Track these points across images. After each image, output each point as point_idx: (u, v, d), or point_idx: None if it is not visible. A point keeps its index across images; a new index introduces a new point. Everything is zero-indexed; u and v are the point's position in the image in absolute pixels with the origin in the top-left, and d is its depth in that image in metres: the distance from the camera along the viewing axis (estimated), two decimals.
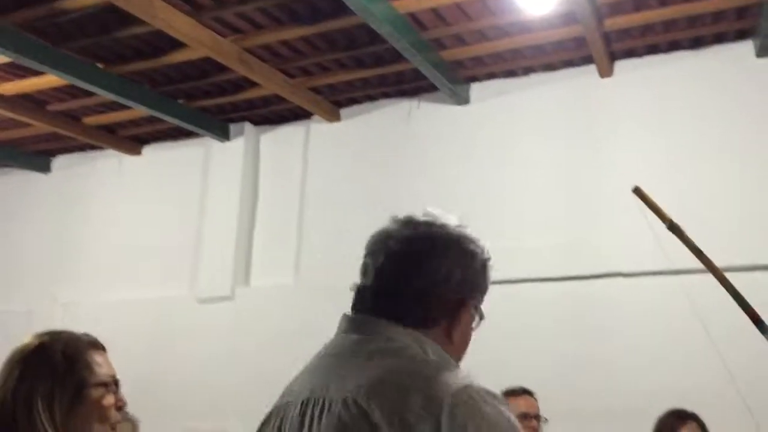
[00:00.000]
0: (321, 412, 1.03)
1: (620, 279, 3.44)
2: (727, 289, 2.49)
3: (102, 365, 1.62)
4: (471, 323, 1.16)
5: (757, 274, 3.16)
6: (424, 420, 0.97)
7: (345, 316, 1.19)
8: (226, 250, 4.35)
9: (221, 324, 4.26)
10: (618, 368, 3.35)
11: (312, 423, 1.04)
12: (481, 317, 1.17)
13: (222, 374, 4.14)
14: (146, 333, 4.40)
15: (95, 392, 1.58)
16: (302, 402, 1.07)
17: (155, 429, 3.38)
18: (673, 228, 2.21)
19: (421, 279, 1.12)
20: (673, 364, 3.26)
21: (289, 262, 4.26)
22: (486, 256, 1.18)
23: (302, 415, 1.06)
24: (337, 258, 4.11)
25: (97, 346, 1.66)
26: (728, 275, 2.50)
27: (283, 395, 1.15)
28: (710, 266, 2.37)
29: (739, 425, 2.89)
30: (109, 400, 1.60)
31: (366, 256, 1.20)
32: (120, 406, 1.63)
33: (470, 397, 1.00)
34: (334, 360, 1.12)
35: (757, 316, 2.49)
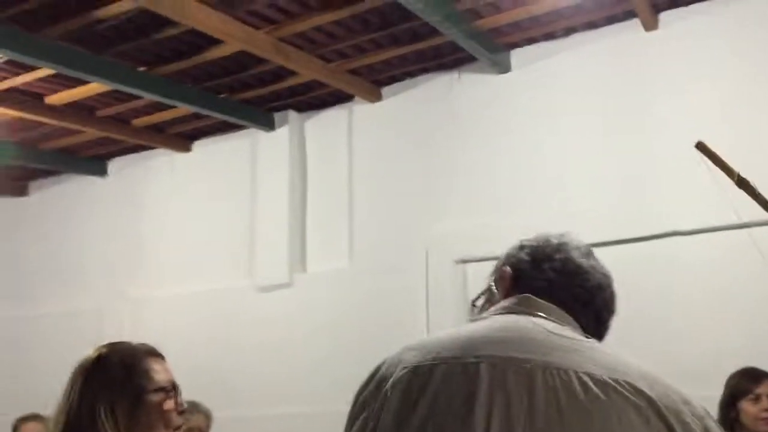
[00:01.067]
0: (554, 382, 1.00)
1: (678, 238, 3.35)
2: None
3: (160, 372, 1.67)
4: None
5: None
6: (694, 428, 0.97)
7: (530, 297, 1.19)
8: (280, 238, 4.40)
9: (282, 311, 4.33)
10: (679, 329, 3.26)
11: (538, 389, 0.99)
12: None
13: (285, 360, 4.22)
14: (210, 324, 4.52)
15: (155, 397, 1.63)
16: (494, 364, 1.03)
17: (226, 418, 3.48)
18: (742, 183, 2.14)
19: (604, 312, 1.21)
20: (738, 323, 3.16)
21: (343, 245, 4.29)
22: None
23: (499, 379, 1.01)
24: (389, 238, 4.12)
25: (155, 354, 1.71)
26: None
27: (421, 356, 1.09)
28: None
29: None
30: (169, 404, 1.65)
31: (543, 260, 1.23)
32: (181, 411, 1.68)
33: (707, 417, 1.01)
34: (527, 335, 1.08)
35: None
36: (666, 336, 3.29)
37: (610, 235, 3.46)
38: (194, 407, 3.04)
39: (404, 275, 3.98)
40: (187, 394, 1.73)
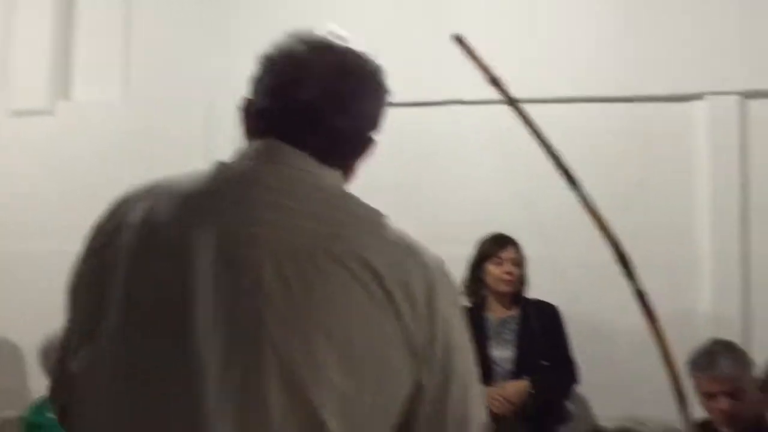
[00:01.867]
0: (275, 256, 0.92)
1: (458, 107, 3.47)
2: (531, 130, 2.56)
3: None
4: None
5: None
6: (422, 292, 0.94)
7: (259, 141, 1.04)
8: (41, 58, 3.92)
9: (41, 140, 3.93)
10: (447, 196, 3.45)
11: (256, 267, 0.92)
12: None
13: (40, 192, 3.89)
14: None
15: None
16: (218, 233, 0.93)
17: None
18: (495, 82, 2.17)
19: (347, 119, 1.02)
20: (500, 190, 3.37)
21: (116, 74, 3.93)
22: (385, 82, 1.09)
23: (224, 251, 0.92)
24: (169, 69, 3.83)
25: None
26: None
27: (147, 213, 0.98)
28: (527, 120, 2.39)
29: (545, 244, 3.13)
30: None
31: (271, 74, 1.04)
32: None
33: (448, 276, 0.99)
34: (258, 191, 0.97)
35: (563, 167, 2.60)
36: (438, 201, 3.44)
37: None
38: None
39: (183, 111, 3.75)
40: None
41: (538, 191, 3.16)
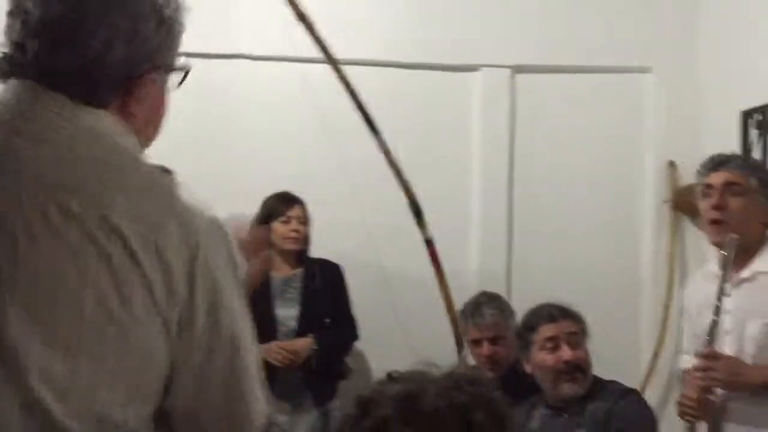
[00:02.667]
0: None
1: (247, 62, 3.37)
2: (346, 87, 2.60)
3: None
4: (162, 96, 0.96)
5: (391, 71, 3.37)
6: (180, 256, 0.85)
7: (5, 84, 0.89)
8: None
9: None
10: (237, 151, 3.35)
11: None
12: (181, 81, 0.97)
13: None
14: None
15: None
16: None
17: None
18: (302, 18, 2.16)
19: (74, 55, 0.88)
20: (287, 149, 3.35)
21: None
22: (168, 11, 0.93)
23: None
24: None
25: None
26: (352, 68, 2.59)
27: None
28: (333, 61, 2.42)
29: (344, 210, 3.17)
30: None
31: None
32: None
33: (220, 237, 0.90)
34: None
35: (370, 118, 2.65)
36: (227, 158, 3.33)
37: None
38: None
39: None
40: None
41: (340, 149, 3.16)
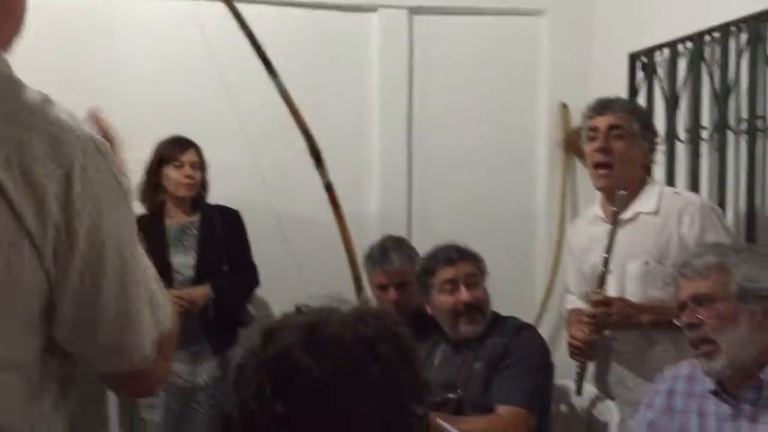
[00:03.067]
0: None
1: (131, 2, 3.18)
2: (241, 26, 2.50)
3: None
4: None
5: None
6: (52, 177, 0.77)
7: None
8: None
9: None
10: (125, 95, 3.17)
11: None
12: None
13: None
14: None
15: None
16: None
17: None
18: None
19: None
20: (179, 92, 3.21)
21: None
22: None
23: None
24: None
25: None
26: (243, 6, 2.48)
27: None
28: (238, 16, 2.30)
29: (240, 154, 3.08)
30: None
31: None
32: None
33: (99, 153, 0.83)
34: None
35: (267, 59, 2.57)
36: (115, 101, 3.13)
37: None
38: None
39: None
40: None
41: (236, 91, 3.05)
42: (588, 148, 2.30)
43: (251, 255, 3.02)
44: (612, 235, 2.17)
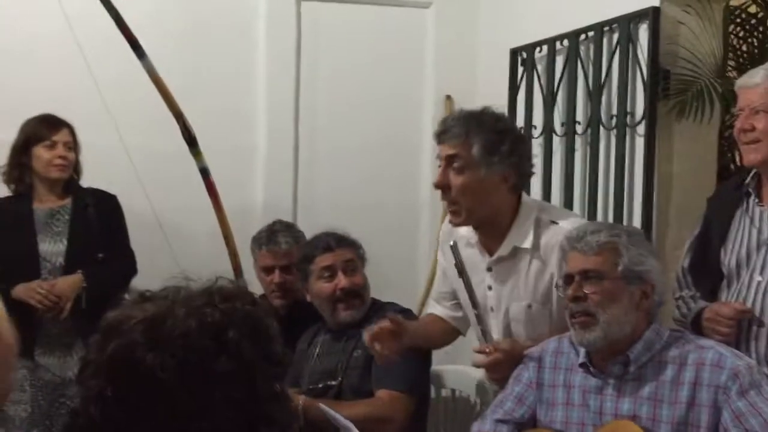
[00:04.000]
0: None
1: None
2: (107, 8, 2.38)
3: None
4: None
5: None
6: None
7: None
8: None
9: None
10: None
11: None
12: None
13: None
14: None
15: None
16: None
17: None
18: None
19: None
20: (43, 68, 3.06)
21: None
22: None
23: None
24: None
25: None
26: None
27: None
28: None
29: (102, 129, 2.94)
30: None
31: None
32: None
33: None
34: None
35: (134, 40, 2.45)
36: None
37: None
38: None
39: None
40: None
41: (107, 72, 2.91)
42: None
43: (129, 242, 2.89)
44: (469, 290, 1.96)
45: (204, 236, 2.87)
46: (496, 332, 2.06)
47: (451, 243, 1.94)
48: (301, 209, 3.39)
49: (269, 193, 3.36)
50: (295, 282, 2.62)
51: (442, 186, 1.95)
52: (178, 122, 2.03)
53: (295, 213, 3.37)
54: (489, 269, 2.06)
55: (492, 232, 2.02)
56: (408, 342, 2.05)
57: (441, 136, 1.97)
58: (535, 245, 1.99)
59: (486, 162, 1.93)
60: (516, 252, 2.01)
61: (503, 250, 2.01)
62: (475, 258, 2.06)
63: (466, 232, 2.07)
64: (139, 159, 2.87)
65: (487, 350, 1.92)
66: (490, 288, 2.07)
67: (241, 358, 0.84)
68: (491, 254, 2.04)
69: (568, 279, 1.77)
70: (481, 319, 1.97)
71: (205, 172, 1.98)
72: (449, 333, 2.29)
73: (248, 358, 0.85)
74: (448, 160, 1.94)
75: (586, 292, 1.72)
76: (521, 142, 2.06)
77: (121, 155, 2.89)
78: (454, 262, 1.95)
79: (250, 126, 3.36)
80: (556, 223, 2.00)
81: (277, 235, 2.67)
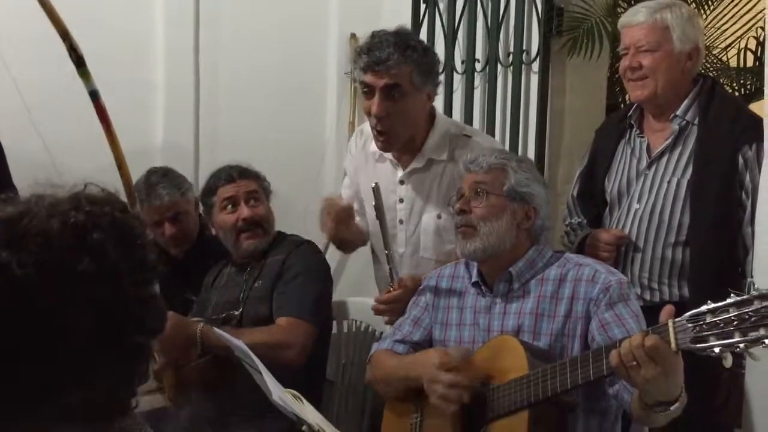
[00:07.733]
0: None
1: None
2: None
3: None
4: None
5: None
6: None
7: None
8: None
9: None
10: None
11: None
12: None
13: None
14: None
15: None
16: None
17: None
18: None
19: None
20: None
21: None
22: None
23: None
24: None
25: None
26: None
27: None
28: None
29: (30, 144, 2.81)
30: None
31: None
32: None
33: None
34: None
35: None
36: None
37: None
38: None
39: None
40: None
41: None
42: (365, 105, 2.03)
43: (10, 177, 2.73)
44: (384, 232, 2.00)
45: (95, 168, 2.75)
46: (403, 246, 2.16)
47: (373, 185, 1.96)
48: (203, 148, 3.34)
49: (170, 133, 3.27)
50: (188, 228, 2.57)
51: (382, 116, 1.98)
52: (65, 42, 1.94)
53: (197, 151, 3.32)
54: (401, 182, 2.14)
55: (408, 146, 2.10)
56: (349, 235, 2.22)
57: (377, 66, 1.96)
58: (450, 157, 2.08)
59: (422, 86, 2.01)
60: (431, 164, 2.10)
61: (417, 162, 2.11)
62: (386, 170, 2.13)
63: (375, 146, 2.13)
64: (28, 91, 2.75)
65: (392, 288, 2.01)
66: (401, 200, 2.16)
67: (104, 259, 0.84)
68: (405, 167, 2.12)
69: (460, 196, 1.86)
70: (391, 259, 2.02)
71: (94, 95, 1.91)
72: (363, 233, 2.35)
73: (113, 260, 0.84)
74: (386, 90, 1.96)
75: (473, 206, 1.82)
76: (436, 56, 2.14)
77: (9, 87, 2.76)
78: (373, 203, 1.99)
79: (149, 62, 3.26)
80: (469, 137, 2.12)
81: (156, 188, 2.52)
